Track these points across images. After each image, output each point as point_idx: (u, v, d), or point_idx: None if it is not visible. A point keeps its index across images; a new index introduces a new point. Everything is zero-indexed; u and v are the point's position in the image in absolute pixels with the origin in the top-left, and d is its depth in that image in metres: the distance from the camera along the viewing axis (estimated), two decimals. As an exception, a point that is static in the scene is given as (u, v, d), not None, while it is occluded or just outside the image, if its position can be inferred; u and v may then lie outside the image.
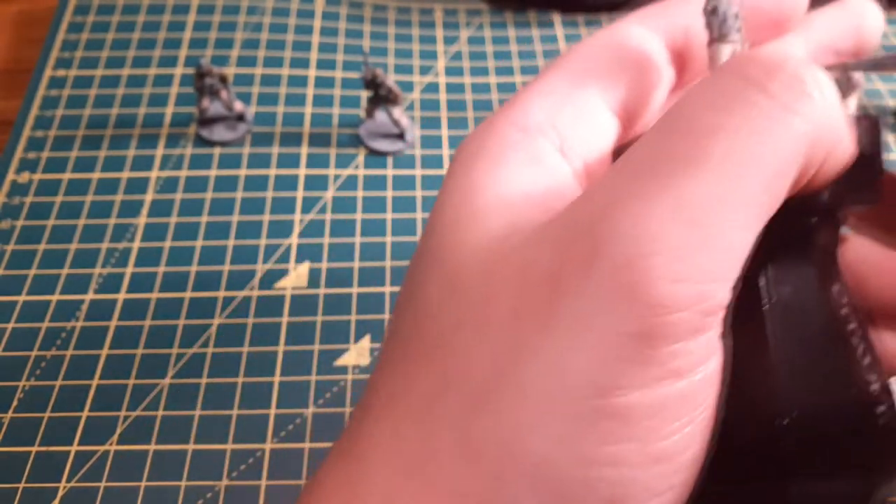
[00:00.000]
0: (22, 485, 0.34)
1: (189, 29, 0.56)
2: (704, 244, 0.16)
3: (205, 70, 0.47)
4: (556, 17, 0.59)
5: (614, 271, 0.16)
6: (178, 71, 0.53)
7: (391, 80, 0.47)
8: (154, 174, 0.47)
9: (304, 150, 0.49)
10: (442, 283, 0.19)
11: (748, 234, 0.17)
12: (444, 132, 0.50)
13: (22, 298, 0.41)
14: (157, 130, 0.50)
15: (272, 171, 0.47)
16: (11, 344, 0.39)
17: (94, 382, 0.38)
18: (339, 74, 0.53)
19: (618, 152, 0.23)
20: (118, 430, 0.36)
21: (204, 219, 0.45)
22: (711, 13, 0.22)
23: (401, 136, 0.49)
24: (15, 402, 0.37)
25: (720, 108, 0.18)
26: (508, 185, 0.20)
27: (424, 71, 0.54)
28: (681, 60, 0.25)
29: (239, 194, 0.46)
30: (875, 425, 0.20)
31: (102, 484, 0.34)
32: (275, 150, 0.49)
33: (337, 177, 0.47)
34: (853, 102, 0.23)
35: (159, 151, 0.48)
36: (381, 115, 0.49)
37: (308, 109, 0.51)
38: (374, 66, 0.47)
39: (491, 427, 0.17)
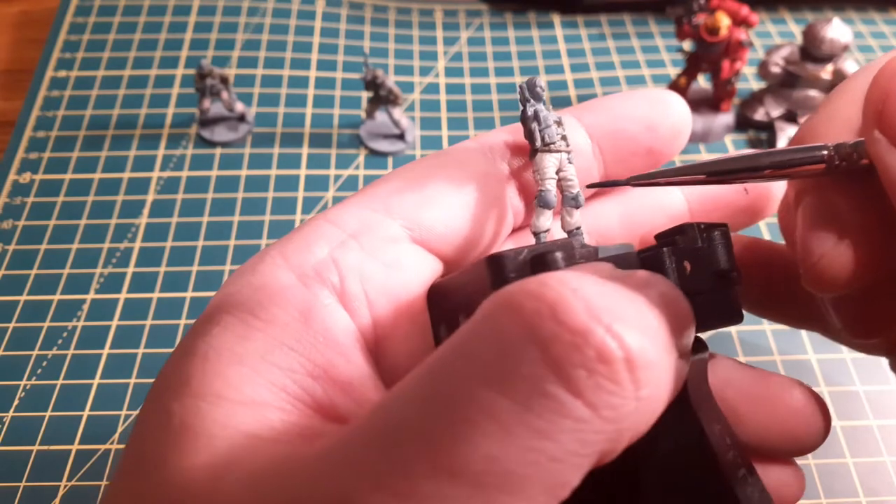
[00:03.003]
0: (23, 483, 0.34)
1: (190, 30, 0.56)
2: None
3: (206, 71, 0.47)
4: (556, 18, 0.59)
5: None
6: (179, 72, 0.53)
7: (391, 80, 0.47)
8: (155, 174, 0.47)
9: (305, 151, 0.49)
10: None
11: None
12: (445, 133, 0.50)
13: (23, 298, 0.41)
14: (159, 131, 0.50)
15: (273, 172, 0.47)
16: (13, 343, 0.39)
17: (95, 382, 0.38)
18: (339, 75, 0.54)
19: (433, 290, 0.19)
20: (119, 429, 0.36)
21: (205, 219, 0.45)
22: (533, 120, 0.20)
23: (401, 136, 0.49)
24: (16, 402, 0.37)
25: (497, 380, 0.13)
26: (249, 389, 0.16)
27: (424, 72, 0.54)
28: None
29: (240, 195, 0.46)
30: None
31: (103, 483, 0.34)
32: (275, 150, 0.49)
33: (338, 177, 0.47)
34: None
35: (160, 152, 0.48)
36: (381, 116, 0.49)
37: (309, 110, 0.51)
38: (375, 66, 0.47)
39: None
